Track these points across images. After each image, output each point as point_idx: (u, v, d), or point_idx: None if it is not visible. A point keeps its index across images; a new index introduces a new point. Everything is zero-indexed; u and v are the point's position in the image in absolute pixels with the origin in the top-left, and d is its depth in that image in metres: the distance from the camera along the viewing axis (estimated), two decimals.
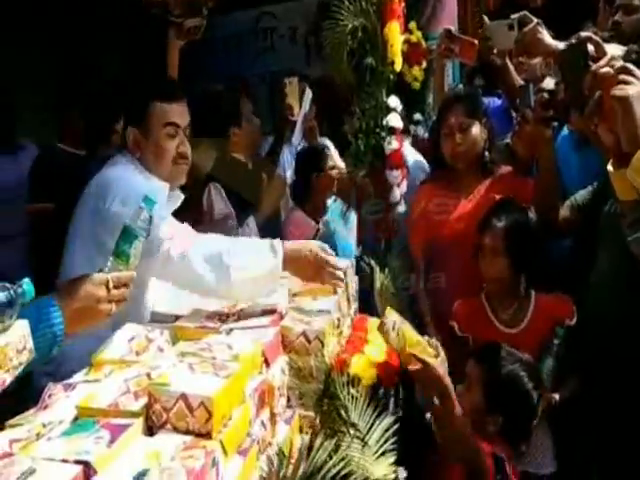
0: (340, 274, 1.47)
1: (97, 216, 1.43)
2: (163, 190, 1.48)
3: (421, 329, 1.79)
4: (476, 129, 2.03)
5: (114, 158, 1.59)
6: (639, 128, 0.98)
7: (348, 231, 2.54)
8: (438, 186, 2.13)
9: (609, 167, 1.13)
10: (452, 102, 2.10)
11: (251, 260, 1.41)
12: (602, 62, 1.14)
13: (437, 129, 2.13)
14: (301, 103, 2.66)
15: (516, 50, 1.91)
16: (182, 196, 1.65)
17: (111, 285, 1.02)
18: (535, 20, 1.78)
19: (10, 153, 2.70)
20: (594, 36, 1.22)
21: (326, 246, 1.48)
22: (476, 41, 2.38)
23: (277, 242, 1.44)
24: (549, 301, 1.82)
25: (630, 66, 1.04)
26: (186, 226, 1.52)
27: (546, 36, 1.74)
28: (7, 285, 0.82)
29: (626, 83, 1.01)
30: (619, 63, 1.10)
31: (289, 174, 2.70)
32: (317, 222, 2.53)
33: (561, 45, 1.61)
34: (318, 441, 0.83)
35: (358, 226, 2.54)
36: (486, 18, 2.12)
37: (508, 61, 2.31)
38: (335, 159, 2.52)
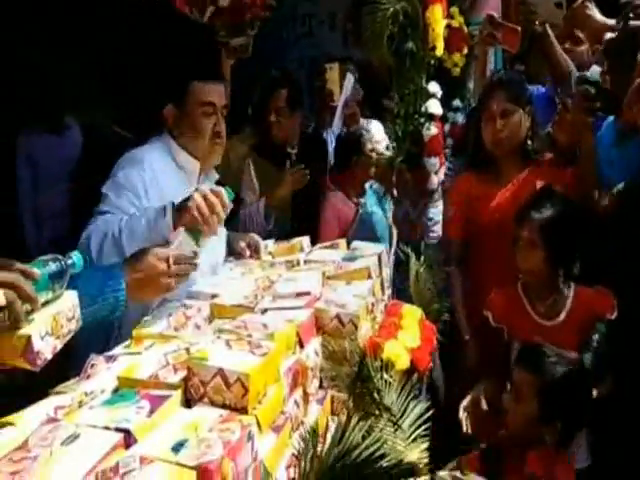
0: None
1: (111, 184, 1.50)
2: (194, 168, 1.53)
3: (453, 318, 1.77)
4: (518, 116, 1.98)
5: (150, 140, 1.62)
6: None
7: (385, 216, 2.52)
8: (477, 174, 2.08)
9: None
10: (495, 87, 2.04)
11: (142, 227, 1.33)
12: None
13: (478, 115, 2.09)
14: (342, 89, 2.65)
15: (564, 27, 1.87)
16: (216, 175, 1.67)
17: (171, 261, 1.05)
18: None
19: (57, 133, 2.79)
20: None
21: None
22: (519, 28, 2.33)
23: (168, 204, 1.35)
24: (589, 295, 1.76)
25: None
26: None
27: (596, 13, 1.71)
28: (58, 257, 0.85)
29: None
30: None
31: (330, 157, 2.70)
32: (356, 204, 2.52)
33: (610, 22, 1.56)
34: (352, 422, 0.83)
35: (394, 213, 2.52)
36: None
37: (549, 30, 2.20)
38: (376, 142, 2.49)
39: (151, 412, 0.84)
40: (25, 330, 0.80)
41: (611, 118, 2.05)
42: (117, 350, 1.05)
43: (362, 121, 2.77)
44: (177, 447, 0.77)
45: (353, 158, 2.49)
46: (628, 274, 1.71)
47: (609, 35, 1.51)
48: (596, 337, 1.70)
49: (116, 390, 0.91)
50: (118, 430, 0.79)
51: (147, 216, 1.33)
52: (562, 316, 1.76)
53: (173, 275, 1.08)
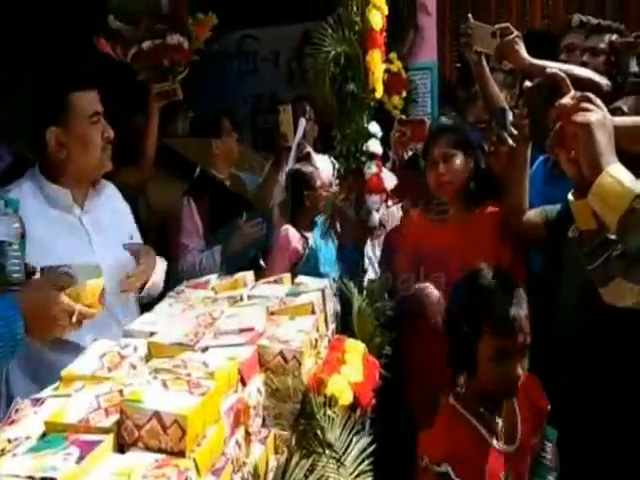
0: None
1: None
2: (66, 199, 1.52)
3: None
4: (460, 159, 2.06)
5: (20, 180, 1.55)
6: (600, 154, 1.01)
7: (329, 250, 2.56)
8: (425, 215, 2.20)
9: (570, 196, 1.16)
10: (436, 134, 2.15)
11: None
12: (566, 98, 1.16)
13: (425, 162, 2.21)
14: (295, 130, 2.73)
15: (495, 56, 2.02)
16: (112, 187, 1.65)
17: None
18: (515, 32, 1.89)
19: None
20: (559, 72, 1.25)
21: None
22: (426, 119, 2.60)
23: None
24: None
25: (591, 95, 1.08)
26: None
27: (522, 49, 1.86)
28: None
29: (588, 110, 1.05)
30: (586, 104, 1.13)
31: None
32: (306, 239, 2.58)
33: (534, 61, 1.71)
34: (294, 460, 0.81)
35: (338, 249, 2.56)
36: (471, 16, 2.17)
37: (484, 60, 2.31)
38: (325, 177, 2.58)
39: (80, 458, 0.79)
40: None
41: (541, 158, 2.18)
42: (45, 392, 0.99)
43: (313, 156, 2.84)
44: None
45: (304, 193, 2.56)
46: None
47: (527, 83, 1.61)
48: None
49: (43, 436, 0.86)
50: (43, 479, 0.73)
51: None
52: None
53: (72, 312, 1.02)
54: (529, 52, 2.23)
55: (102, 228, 1.57)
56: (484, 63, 2.21)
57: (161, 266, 1.78)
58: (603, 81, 1.15)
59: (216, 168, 2.59)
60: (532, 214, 1.93)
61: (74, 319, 1.00)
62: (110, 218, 1.61)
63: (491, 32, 1.98)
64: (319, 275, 1.94)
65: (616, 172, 1.01)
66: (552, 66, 1.82)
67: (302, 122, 2.74)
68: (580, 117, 1.04)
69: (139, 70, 2.25)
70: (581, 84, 1.67)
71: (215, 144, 2.54)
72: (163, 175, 2.57)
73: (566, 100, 1.11)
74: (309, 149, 2.87)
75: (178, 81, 2.29)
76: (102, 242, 1.55)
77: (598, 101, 1.06)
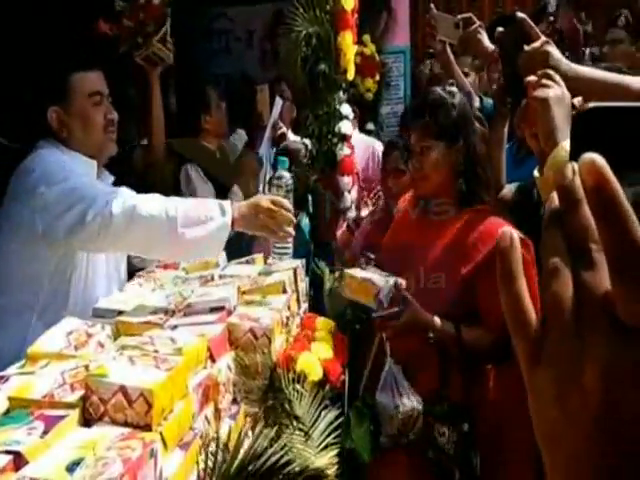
0: (287, 229, 1.47)
1: (26, 200, 1.39)
2: (92, 168, 1.49)
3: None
4: (438, 152, 1.57)
5: (37, 144, 1.53)
6: (555, 128, 1.05)
7: (301, 232, 2.56)
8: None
9: (535, 173, 1.19)
10: (413, 117, 1.66)
11: (199, 217, 1.37)
12: (537, 44, 1.21)
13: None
14: (271, 110, 2.69)
15: (458, 46, 2.04)
16: (110, 177, 1.64)
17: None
18: (478, 22, 1.92)
19: None
20: (528, 19, 1.29)
21: (279, 199, 1.48)
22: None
23: (226, 203, 1.43)
24: None
25: (551, 72, 1.11)
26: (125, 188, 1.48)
27: (485, 38, 1.89)
28: None
29: (547, 87, 1.08)
30: (551, 47, 1.17)
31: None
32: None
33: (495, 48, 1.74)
34: (257, 429, 0.82)
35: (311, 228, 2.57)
36: (433, 7, 2.18)
37: (448, 49, 2.33)
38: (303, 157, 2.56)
39: (45, 433, 0.79)
40: None
41: (508, 144, 2.21)
42: (9, 370, 0.99)
43: (289, 137, 2.82)
44: (72, 467, 0.73)
45: (292, 169, 2.55)
46: None
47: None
48: None
49: (7, 412, 0.85)
50: (7, 452, 0.73)
51: (204, 207, 1.38)
52: None
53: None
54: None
55: None
56: (448, 51, 2.25)
57: None
58: (532, 76, 1.21)
59: (207, 141, 2.53)
60: (506, 191, 1.93)
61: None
62: None
63: (454, 23, 2.01)
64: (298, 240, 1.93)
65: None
66: None
67: (278, 102, 2.69)
68: (539, 92, 1.07)
69: (121, 44, 2.16)
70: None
71: (204, 119, 2.46)
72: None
73: (531, 77, 1.15)
74: (284, 129, 2.84)
75: (162, 42, 2.18)
76: None
77: (557, 77, 1.09)
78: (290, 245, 1.56)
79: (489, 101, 2.23)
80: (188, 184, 2.37)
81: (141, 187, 1.56)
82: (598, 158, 0.28)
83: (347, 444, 1.37)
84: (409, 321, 1.46)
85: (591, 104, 0.35)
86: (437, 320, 1.48)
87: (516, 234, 0.33)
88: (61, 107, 1.50)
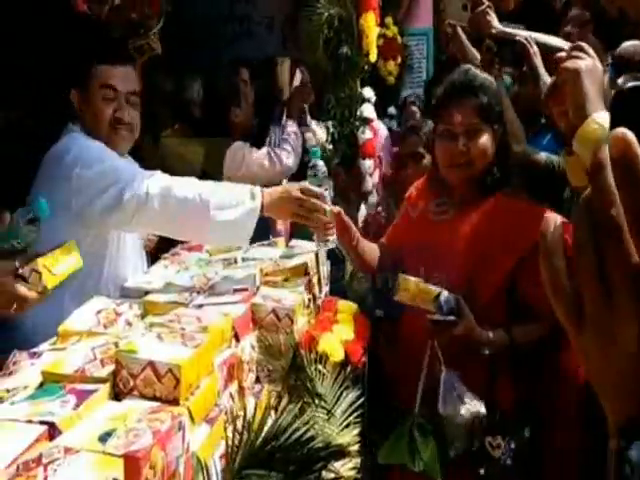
0: (319, 217, 1.45)
1: (62, 182, 1.43)
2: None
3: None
4: (488, 136, 1.48)
5: (68, 127, 1.58)
6: (587, 101, 1.02)
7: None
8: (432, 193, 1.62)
9: (562, 154, 1.17)
10: (459, 92, 1.49)
11: (230, 201, 1.40)
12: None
13: (432, 127, 1.64)
14: (291, 85, 2.64)
15: (468, 27, 2.04)
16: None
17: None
18: (486, 3, 1.93)
19: None
20: (524, 41, 1.28)
21: (308, 186, 1.47)
22: None
23: (257, 188, 1.45)
24: None
25: (584, 44, 1.08)
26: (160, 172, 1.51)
27: (494, 19, 1.93)
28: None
29: (578, 58, 1.05)
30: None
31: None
32: None
33: (506, 29, 1.77)
34: (282, 404, 0.84)
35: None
36: None
37: (460, 30, 2.31)
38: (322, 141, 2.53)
39: (77, 406, 0.82)
40: None
41: (548, 136, 2.15)
42: (42, 346, 1.02)
43: (308, 118, 2.78)
44: (104, 437, 0.75)
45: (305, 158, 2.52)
46: None
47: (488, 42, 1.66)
48: None
49: (40, 385, 0.88)
50: (42, 423, 0.76)
51: (236, 192, 1.42)
52: None
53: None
54: (526, 19, 2.22)
55: None
56: (460, 33, 2.22)
57: None
58: (564, 50, 1.17)
59: (234, 137, 2.51)
60: (535, 153, 1.85)
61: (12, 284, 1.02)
62: None
63: (462, 5, 2.03)
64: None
65: (601, 119, 1.01)
66: (522, 34, 1.84)
67: (298, 75, 2.65)
68: (570, 63, 1.04)
69: (113, 28, 2.22)
70: (550, 51, 1.69)
71: (234, 112, 2.40)
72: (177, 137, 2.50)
73: (561, 53, 1.12)
74: (304, 107, 2.76)
75: (153, 34, 2.25)
76: None
77: (591, 51, 1.06)
78: (332, 232, 1.50)
79: (507, 79, 2.19)
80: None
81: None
82: (628, 132, 0.30)
83: (417, 466, 1.33)
84: (464, 334, 1.39)
85: (631, 83, 0.36)
86: (491, 335, 1.41)
87: (559, 219, 0.36)
88: (80, 92, 1.57)
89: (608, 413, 0.35)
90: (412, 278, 1.42)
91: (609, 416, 0.35)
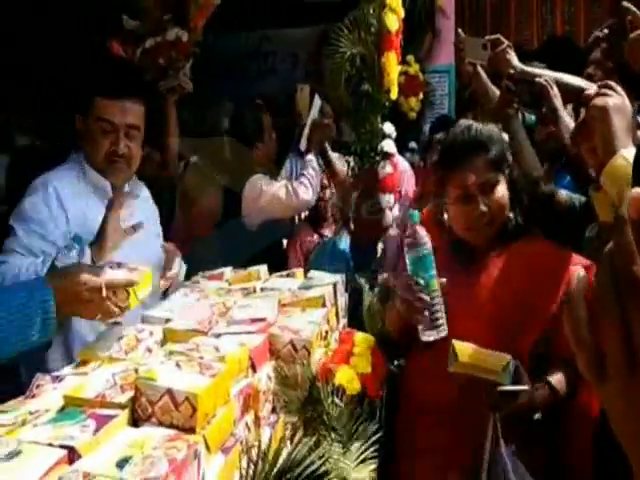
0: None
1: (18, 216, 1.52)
2: (106, 186, 1.62)
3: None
4: (503, 186, 1.42)
5: (69, 157, 1.66)
6: (615, 137, 1.03)
7: (343, 247, 2.58)
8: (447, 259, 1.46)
9: (590, 190, 1.17)
10: (468, 150, 1.40)
11: None
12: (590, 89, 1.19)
13: (438, 190, 1.51)
14: (310, 110, 2.70)
15: (488, 67, 2.06)
16: (144, 191, 1.75)
17: (104, 281, 1.06)
18: (506, 42, 1.94)
19: None
20: (544, 82, 1.29)
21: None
22: None
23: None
24: None
25: (612, 83, 1.10)
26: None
27: (514, 58, 1.93)
28: None
29: (606, 95, 1.07)
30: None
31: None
32: (320, 235, 2.60)
33: (527, 68, 1.78)
34: (297, 437, 0.84)
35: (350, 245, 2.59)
36: (461, 31, 2.20)
37: (480, 69, 2.33)
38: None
39: (96, 430, 0.83)
40: None
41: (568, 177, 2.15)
42: (64, 371, 1.04)
43: (329, 152, 2.82)
44: (121, 463, 0.76)
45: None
46: None
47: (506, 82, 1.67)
48: None
49: (62, 409, 0.90)
50: (62, 447, 0.78)
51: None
52: None
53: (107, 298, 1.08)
54: (549, 58, 2.25)
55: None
56: (481, 72, 2.23)
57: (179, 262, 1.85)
58: (593, 88, 1.18)
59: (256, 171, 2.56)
60: (557, 191, 1.85)
61: (104, 293, 1.06)
62: (142, 216, 1.67)
63: (482, 44, 2.04)
64: (332, 270, 1.96)
65: (629, 154, 1.02)
66: (542, 74, 1.86)
67: (317, 101, 2.70)
68: (598, 100, 1.06)
69: (144, 71, 2.33)
70: (570, 91, 1.71)
71: (257, 146, 2.50)
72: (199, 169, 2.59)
73: (590, 90, 1.15)
74: (329, 121, 2.77)
75: (185, 74, 2.35)
76: (133, 238, 1.61)
77: (618, 88, 1.08)
78: (442, 317, 1.29)
79: (531, 117, 2.21)
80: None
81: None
82: None
83: None
84: (526, 402, 1.28)
85: None
86: (540, 394, 1.33)
87: (582, 271, 0.37)
88: (83, 120, 1.64)
89: (634, 463, 0.34)
90: (469, 344, 1.26)
91: (635, 467, 0.34)
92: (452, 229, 1.48)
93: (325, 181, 2.65)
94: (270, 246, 2.42)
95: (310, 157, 2.48)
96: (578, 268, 1.24)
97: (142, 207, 1.76)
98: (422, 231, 1.33)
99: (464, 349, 1.24)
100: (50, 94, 2.59)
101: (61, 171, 1.62)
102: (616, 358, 0.32)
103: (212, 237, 2.44)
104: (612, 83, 1.12)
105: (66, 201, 1.56)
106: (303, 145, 2.62)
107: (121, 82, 1.79)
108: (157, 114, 2.48)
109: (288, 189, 2.39)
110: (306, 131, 2.62)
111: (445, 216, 1.48)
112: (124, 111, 1.63)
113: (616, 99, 1.07)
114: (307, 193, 2.40)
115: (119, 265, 1.18)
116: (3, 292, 1.07)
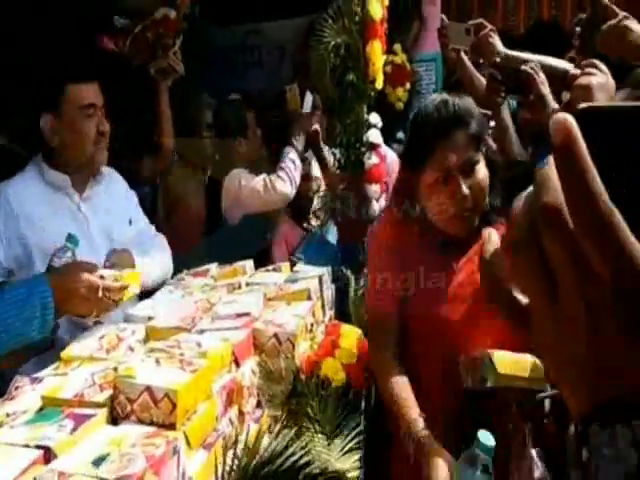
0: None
1: None
2: (66, 183, 1.57)
3: None
4: (484, 166, 1.25)
5: (26, 167, 1.58)
6: None
7: (328, 241, 2.57)
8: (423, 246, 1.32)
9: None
10: (448, 127, 1.22)
11: None
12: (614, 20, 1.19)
13: (415, 172, 1.27)
14: (302, 106, 2.68)
15: (471, 52, 2.03)
16: (111, 177, 1.70)
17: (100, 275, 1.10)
18: (489, 27, 1.91)
19: None
20: (529, 69, 1.28)
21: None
22: None
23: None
24: None
25: (596, 61, 1.10)
26: None
27: (497, 43, 1.88)
28: None
29: (590, 74, 1.07)
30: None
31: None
32: (305, 228, 2.58)
33: (509, 52, 1.76)
34: (276, 429, 0.84)
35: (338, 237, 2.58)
36: (444, 16, 2.18)
37: (463, 55, 2.30)
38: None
39: (74, 429, 0.83)
40: None
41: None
42: (44, 372, 1.04)
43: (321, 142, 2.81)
44: (98, 462, 0.76)
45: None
46: None
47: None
48: None
49: (40, 410, 0.90)
50: (38, 447, 0.78)
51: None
52: None
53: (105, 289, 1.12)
54: (537, 42, 2.22)
55: (100, 214, 1.62)
56: (465, 58, 2.20)
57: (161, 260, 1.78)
58: (578, 72, 1.18)
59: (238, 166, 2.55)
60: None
61: (100, 294, 1.07)
62: (109, 204, 1.65)
63: (465, 29, 2.00)
64: (319, 263, 1.95)
65: None
66: (527, 58, 1.85)
67: (309, 97, 2.68)
68: (582, 79, 1.06)
69: (133, 57, 2.28)
70: (556, 74, 1.70)
71: (239, 142, 2.47)
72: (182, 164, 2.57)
73: (574, 70, 1.15)
74: (317, 127, 2.75)
75: (174, 54, 2.29)
76: (100, 227, 1.60)
77: (602, 67, 1.08)
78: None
79: (512, 102, 2.20)
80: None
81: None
82: (569, 118, 0.30)
83: None
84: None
85: (582, 104, 0.36)
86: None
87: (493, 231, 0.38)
88: (54, 115, 1.54)
89: (567, 399, 0.34)
90: (505, 352, 1.10)
91: (568, 402, 0.34)
92: (428, 221, 1.29)
93: (312, 173, 2.64)
94: (255, 241, 2.41)
95: (287, 149, 2.47)
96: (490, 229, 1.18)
97: (110, 193, 1.71)
98: None
99: (502, 358, 1.08)
100: (10, 96, 2.50)
101: (17, 180, 1.55)
102: (535, 290, 0.32)
103: (197, 235, 2.44)
104: (596, 61, 1.11)
105: (24, 208, 1.49)
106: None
107: (86, 64, 1.76)
108: (149, 110, 2.45)
109: (266, 182, 2.37)
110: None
111: (417, 209, 1.30)
112: (98, 92, 1.60)
113: (600, 77, 1.07)
114: (285, 186, 2.38)
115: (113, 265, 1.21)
116: (3, 290, 1.07)
